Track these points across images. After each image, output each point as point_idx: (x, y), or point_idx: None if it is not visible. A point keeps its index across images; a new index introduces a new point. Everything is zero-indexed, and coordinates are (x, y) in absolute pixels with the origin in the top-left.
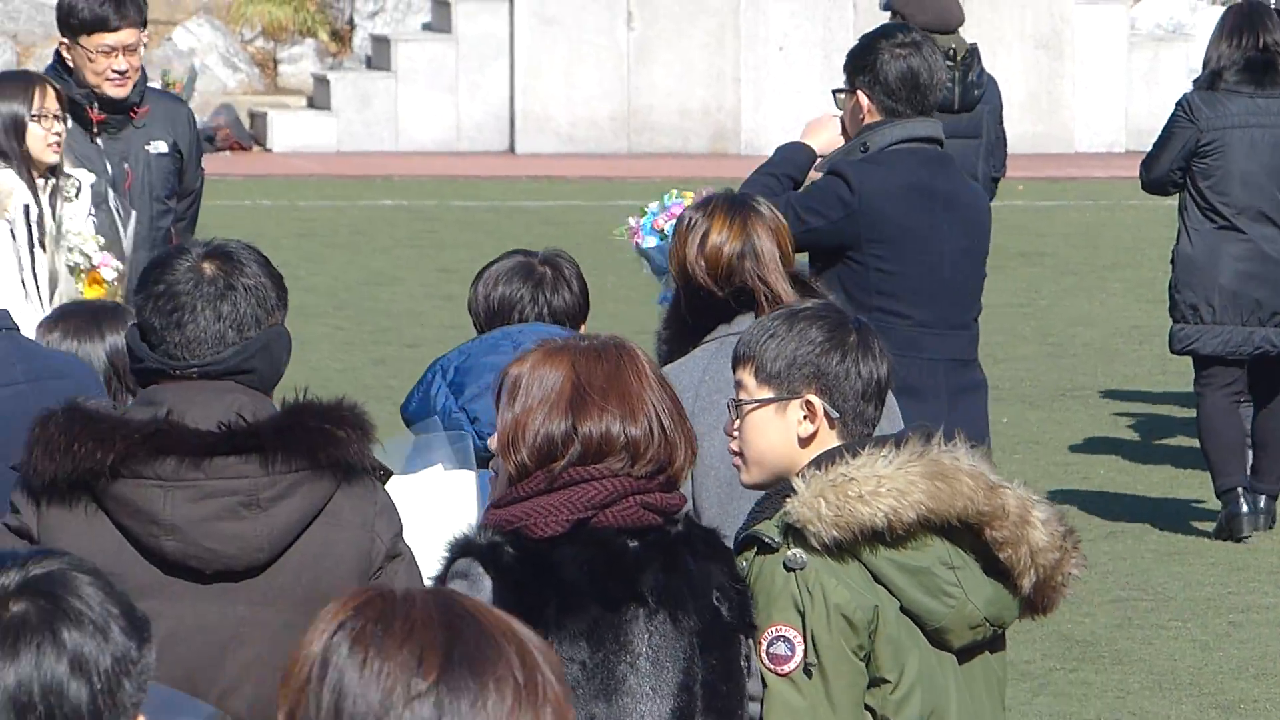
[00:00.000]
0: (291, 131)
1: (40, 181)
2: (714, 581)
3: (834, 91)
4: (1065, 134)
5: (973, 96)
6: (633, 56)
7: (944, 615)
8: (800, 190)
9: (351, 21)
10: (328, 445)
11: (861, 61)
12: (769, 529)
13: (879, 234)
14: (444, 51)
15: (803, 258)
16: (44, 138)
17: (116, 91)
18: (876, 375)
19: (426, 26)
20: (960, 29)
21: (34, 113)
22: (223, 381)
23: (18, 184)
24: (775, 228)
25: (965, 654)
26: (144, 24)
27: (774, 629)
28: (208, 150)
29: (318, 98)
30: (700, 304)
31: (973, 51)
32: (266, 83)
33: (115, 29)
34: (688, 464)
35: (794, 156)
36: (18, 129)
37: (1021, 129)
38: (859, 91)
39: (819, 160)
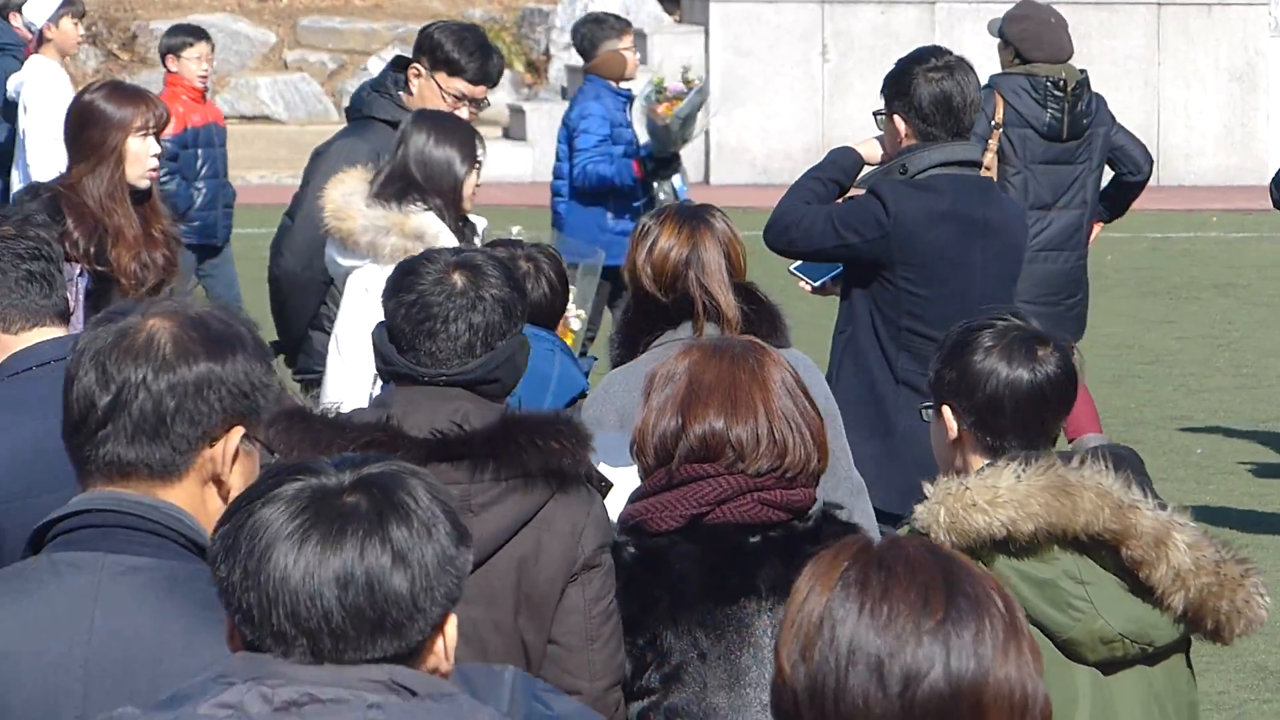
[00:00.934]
0: (487, 162)
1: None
2: None
3: (874, 113)
4: (1259, 166)
5: (1081, 125)
6: (828, 88)
7: (1070, 628)
8: (841, 204)
9: (547, 52)
10: (539, 457)
11: (897, 86)
12: (903, 532)
13: (911, 258)
14: (640, 83)
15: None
16: (472, 184)
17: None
18: (1020, 387)
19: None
20: (1071, 59)
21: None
22: (451, 388)
23: (442, 228)
24: (726, 239)
25: (1111, 668)
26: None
27: None
28: None
29: (513, 128)
30: (647, 309)
31: (1083, 82)
32: None
33: (474, 82)
34: (815, 463)
35: (842, 160)
36: (455, 179)
37: (1215, 161)
38: (895, 115)
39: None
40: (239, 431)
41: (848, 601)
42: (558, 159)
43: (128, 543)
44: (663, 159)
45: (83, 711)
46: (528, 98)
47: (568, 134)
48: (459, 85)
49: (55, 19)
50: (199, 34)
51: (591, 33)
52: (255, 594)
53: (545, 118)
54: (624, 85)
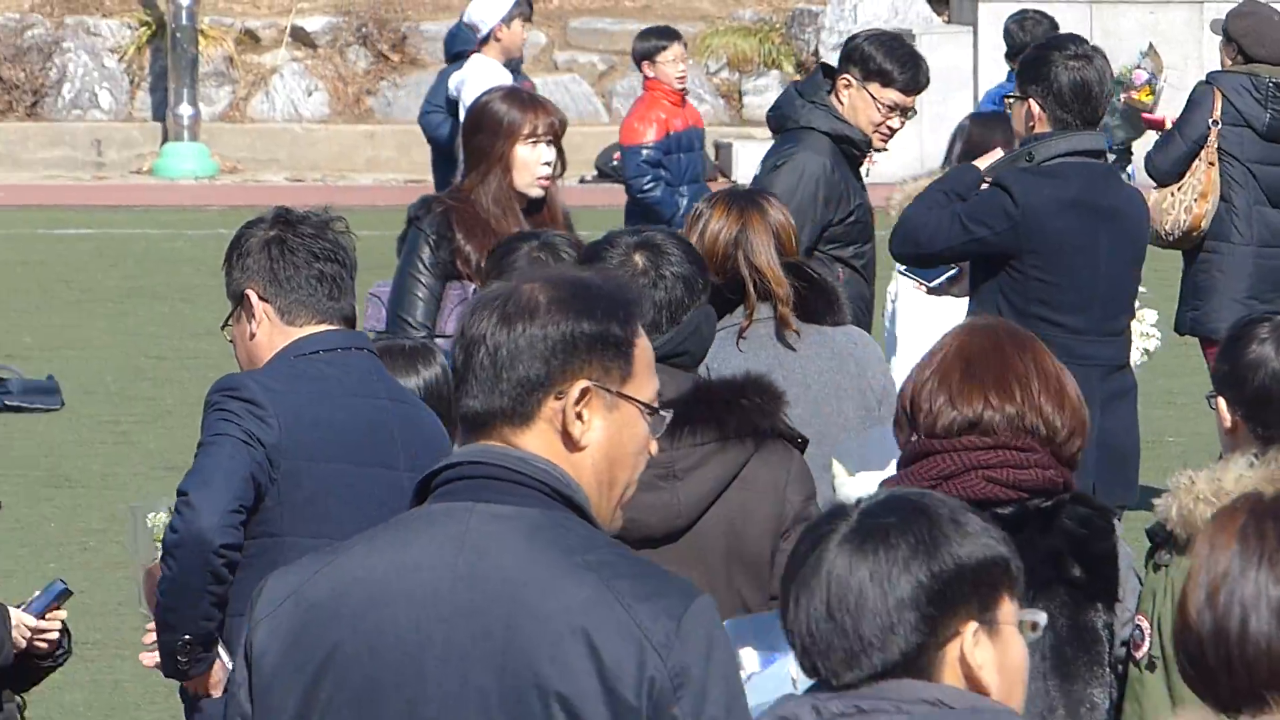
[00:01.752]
0: (757, 162)
1: None
2: (1067, 550)
3: (1005, 97)
4: None
5: None
6: None
7: None
8: (967, 201)
9: (816, 53)
10: (734, 417)
11: (1035, 71)
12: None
13: (1039, 245)
14: None
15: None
16: None
17: (880, 145)
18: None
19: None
20: None
21: None
22: None
23: None
24: (775, 221)
25: None
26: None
27: (1137, 616)
28: None
29: None
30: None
31: None
32: (731, 114)
33: (906, 92)
34: (1065, 446)
35: (963, 176)
36: None
37: None
38: (1030, 100)
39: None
40: (583, 384)
41: (1247, 553)
42: None
43: (496, 492)
44: (1121, 151)
45: (444, 651)
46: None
47: None
48: (892, 95)
49: (507, 20)
50: (672, 35)
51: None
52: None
53: None
54: None
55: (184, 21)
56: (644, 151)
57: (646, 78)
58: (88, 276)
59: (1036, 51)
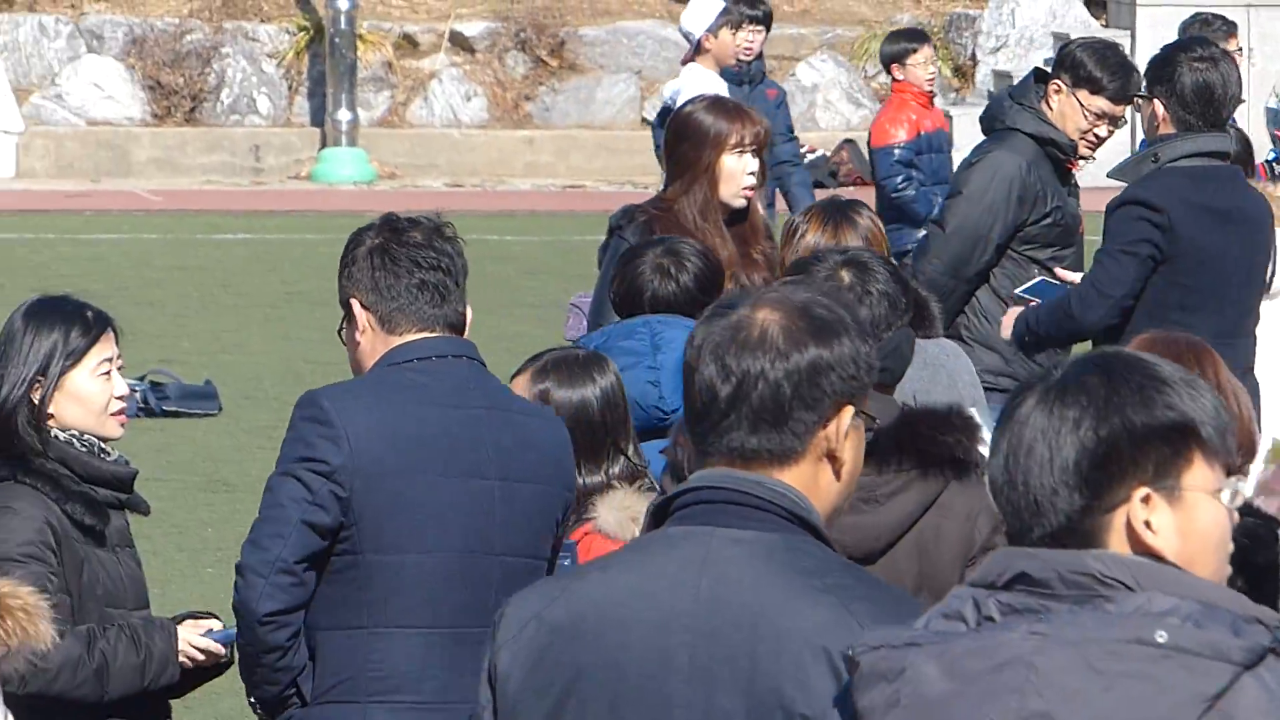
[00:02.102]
0: None
1: None
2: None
3: (1133, 96)
4: None
5: None
6: (1251, 90)
7: None
8: (1109, 237)
9: (974, 57)
10: (937, 448)
11: (1160, 72)
12: None
13: (1175, 250)
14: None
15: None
16: None
17: (1086, 152)
18: None
19: (1049, 63)
20: None
21: None
22: None
23: None
24: (867, 232)
25: None
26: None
27: None
28: (830, 185)
29: None
30: None
31: None
32: None
33: (1115, 101)
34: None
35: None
36: None
37: None
38: (1156, 100)
39: None
40: (849, 411)
41: None
42: None
43: (735, 517)
44: None
45: (689, 673)
46: (954, 103)
47: None
48: (1100, 103)
49: (714, 29)
50: (920, 38)
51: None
52: None
53: (972, 123)
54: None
55: (343, 26)
56: (896, 152)
57: (895, 80)
58: (246, 281)
59: (1164, 52)
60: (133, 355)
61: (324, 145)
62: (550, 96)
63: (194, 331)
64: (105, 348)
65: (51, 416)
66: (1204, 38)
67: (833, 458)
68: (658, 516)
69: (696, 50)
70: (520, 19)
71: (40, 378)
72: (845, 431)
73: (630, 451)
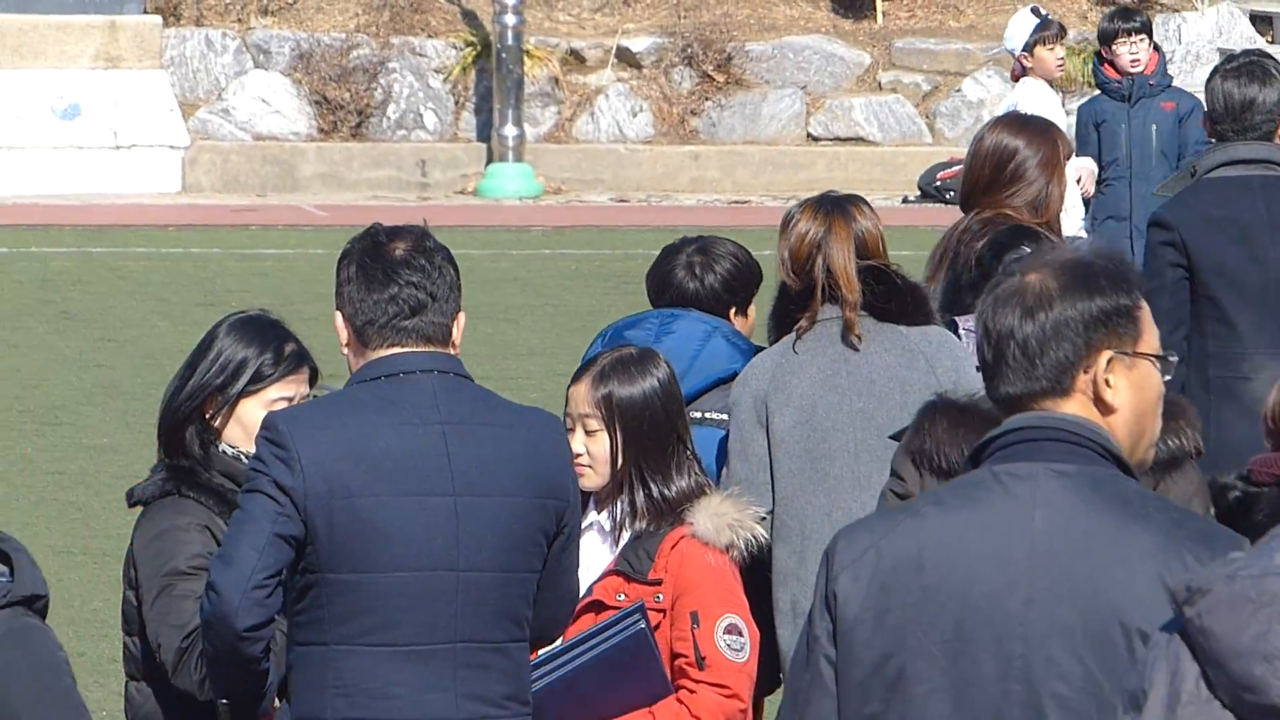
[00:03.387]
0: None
1: None
2: None
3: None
4: None
5: None
6: None
7: None
8: (1145, 269)
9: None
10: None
11: (1206, 91)
12: None
13: (1195, 265)
14: None
15: None
16: None
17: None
18: None
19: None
20: None
21: None
22: None
23: None
24: (862, 228)
25: None
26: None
27: None
28: None
29: None
30: (788, 293)
31: None
32: None
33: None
34: None
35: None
36: None
37: None
38: (1203, 120)
39: None
40: (1106, 354)
41: None
42: None
43: (1056, 453)
44: None
45: (1028, 594)
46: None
47: None
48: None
49: (1028, 48)
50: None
51: None
52: None
53: None
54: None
55: (510, 42)
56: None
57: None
58: None
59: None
60: None
61: (490, 160)
62: (716, 112)
63: None
64: (289, 387)
65: (218, 431)
66: (1250, 50)
67: (1100, 400)
68: (974, 459)
69: (1024, 68)
70: (687, 34)
71: (218, 394)
72: (1107, 374)
73: (689, 440)
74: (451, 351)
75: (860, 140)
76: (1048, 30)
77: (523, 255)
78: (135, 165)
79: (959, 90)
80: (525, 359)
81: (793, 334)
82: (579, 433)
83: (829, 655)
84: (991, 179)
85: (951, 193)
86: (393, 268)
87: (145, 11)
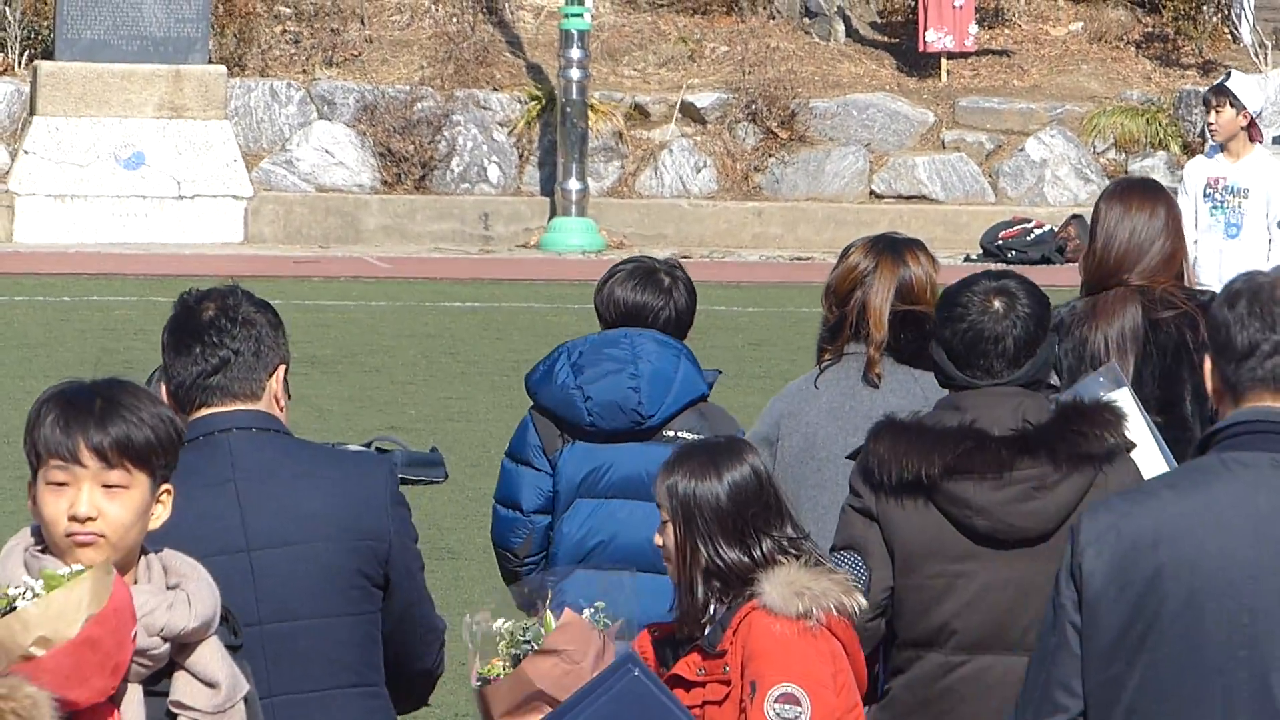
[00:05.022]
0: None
1: None
2: None
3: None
4: None
5: None
6: None
7: None
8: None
9: (1204, 134)
10: (1092, 442)
11: None
12: None
13: None
14: None
15: None
16: None
17: None
18: None
19: (1277, 140)
20: None
21: None
22: (1009, 388)
23: None
24: (911, 273)
25: None
26: None
27: None
28: (1057, 260)
29: None
30: (827, 324)
31: None
32: None
33: None
34: None
35: None
36: None
37: None
38: None
39: None
40: None
41: None
42: None
43: (1277, 444)
44: None
45: (1255, 570)
46: (1180, 179)
47: None
48: None
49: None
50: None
51: None
52: None
53: None
54: None
55: (574, 96)
56: None
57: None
58: (473, 349)
59: None
60: (360, 422)
61: (553, 214)
62: (780, 168)
63: (420, 399)
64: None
65: None
66: None
67: None
68: (1202, 447)
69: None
70: (751, 90)
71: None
72: None
73: (782, 528)
74: (263, 407)
75: (923, 198)
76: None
77: (585, 309)
78: (198, 215)
79: (1022, 149)
80: None
81: (817, 366)
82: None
83: (1074, 622)
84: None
85: (1014, 251)
86: (198, 330)
87: (210, 61)
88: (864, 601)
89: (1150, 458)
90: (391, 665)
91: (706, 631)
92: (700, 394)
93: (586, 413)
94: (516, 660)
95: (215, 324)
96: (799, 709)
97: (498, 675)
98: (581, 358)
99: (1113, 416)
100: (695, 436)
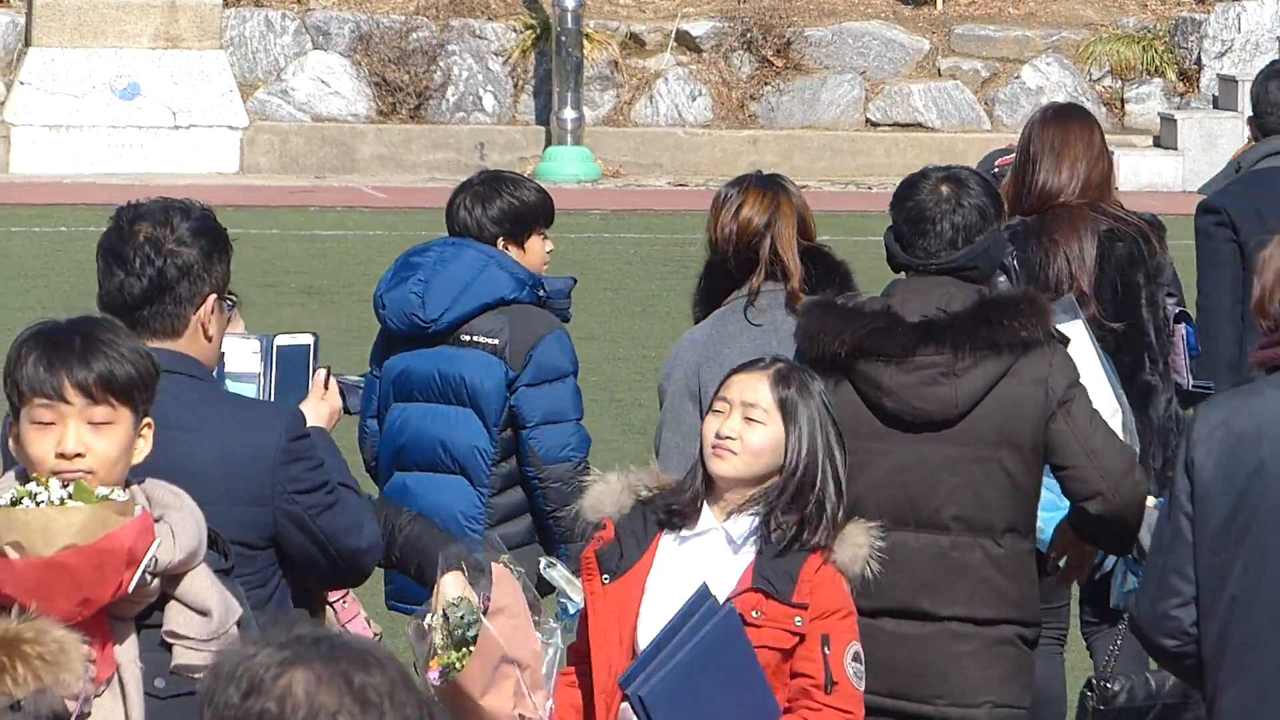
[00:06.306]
0: (1137, 171)
1: None
2: None
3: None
4: None
5: None
6: None
7: None
8: (1202, 280)
9: (1199, 61)
10: (1006, 333)
11: (1252, 90)
12: None
13: (1246, 249)
14: None
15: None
16: None
17: None
18: None
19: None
20: None
21: None
22: (942, 276)
23: None
24: (800, 206)
25: None
26: None
27: None
28: None
29: (1164, 137)
30: (721, 271)
31: None
32: (1114, 122)
33: None
34: None
35: None
36: None
37: None
38: (1249, 122)
39: None
40: None
41: None
42: None
43: None
44: None
45: None
46: (1179, 106)
47: None
48: None
49: None
50: None
51: None
52: None
53: (1196, 127)
54: None
55: (569, 25)
56: None
57: None
58: None
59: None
60: (357, 352)
61: (549, 143)
62: (775, 97)
63: None
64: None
65: None
66: None
67: None
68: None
69: None
70: (747, 19)
71: None
72: None
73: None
74: (183, 343)
75: (919, 126)
76: None
77: (581, 239)
78: (194, 145)
79: (1018, 77)
80: (583, 343)
81: (728, 306)
82: (734, 417)
83: (1187, 512)
84: None
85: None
86: (124, 256)
87: None
88: (878, 567)
89: (1098, 386)
90: (316, 569)
91: (766, 574)
92: (499, 297)
93: (385, 320)
94: (462, 642)
95: (141, 251)
96: (863, 668)
97: (455, 661)
98: (397, 267)
99: (1031, 309)
100: (491, 341)
